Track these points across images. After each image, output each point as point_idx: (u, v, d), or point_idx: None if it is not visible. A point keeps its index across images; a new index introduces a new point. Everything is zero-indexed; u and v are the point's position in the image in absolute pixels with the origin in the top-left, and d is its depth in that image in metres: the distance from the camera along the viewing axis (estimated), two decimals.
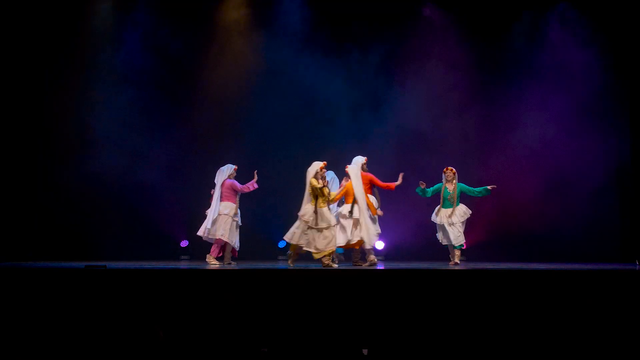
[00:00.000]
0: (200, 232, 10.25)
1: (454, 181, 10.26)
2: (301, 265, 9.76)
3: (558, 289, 7.72)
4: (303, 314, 7.34)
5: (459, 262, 10.27)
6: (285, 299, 7.55)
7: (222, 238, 10.13)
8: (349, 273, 8.41)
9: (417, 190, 10.35)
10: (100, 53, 11.87)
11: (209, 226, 10.12)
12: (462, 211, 10.27)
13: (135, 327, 4.86)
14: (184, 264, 10.18)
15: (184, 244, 11.91)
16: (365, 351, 5.17)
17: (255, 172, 10.42)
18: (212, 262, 10.04)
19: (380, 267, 9.41)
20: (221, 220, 10.15)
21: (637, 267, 9.72)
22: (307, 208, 9.39)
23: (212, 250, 10.21)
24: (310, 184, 9.39)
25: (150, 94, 11.94)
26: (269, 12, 12.16)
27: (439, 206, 10.28)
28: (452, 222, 10.19)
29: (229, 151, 11.98)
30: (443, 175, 10.31)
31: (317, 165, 9.49)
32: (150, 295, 7.59)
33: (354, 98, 12.13)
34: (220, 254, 10.27)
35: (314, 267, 9.01)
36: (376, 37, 12.10)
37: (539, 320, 6.79)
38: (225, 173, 10.42)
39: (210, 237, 10.23)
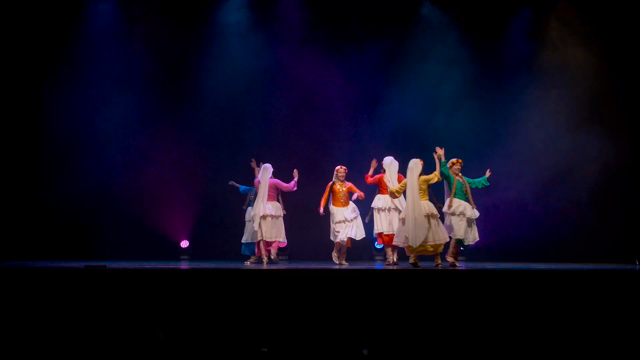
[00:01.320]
0: (259, 237, 10.21)
1: (460, 173, 10.00)
2: (301, 265, 9.76)
3: (558, 289, 7.72)
4: (303, 314, 7.33)
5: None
6: (285, 299, 7.54)
7: (281, 240, 10.28)
8: (349, 273, 8.41)
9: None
10: (101, 54, 11.85)
11: (265, 228, 10.16)
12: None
13: (135, 328, 4.86)
14: (184, 264, 10.19)
15: (184, 244, 11.92)
16: (365, 351, 5.17)
17: (295, 171, 10.43)
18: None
19: (380, 267, 9.41)
20: (273, 221, 10.21)
21: (637, 267, 9.72)
22: (427, 203, 9.17)
23: (273, 250, 10.25)
24: (425, 179, 9.26)
25: (151, 95, 11.93)
26: (269, 14, 12.14)
27: (452, 198, 9.58)
28: (476, 216, 9.76)
29: (228, 152, 12.00)
30: (449, 167, 9.76)
31: (419, 162, 9.35)
32: (150, 295, 7.58)
33: (353, 97, 12.12)
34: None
35: (313, 268, 9.00)
36: (375, 37, 12.08)
37: (539, 320, 6.78)
38: (269, 171, 10.38)
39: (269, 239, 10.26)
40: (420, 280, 7.98)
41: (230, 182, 10.76)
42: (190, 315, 6.99)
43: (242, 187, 10.68)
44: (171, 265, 9.48)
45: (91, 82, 11.80)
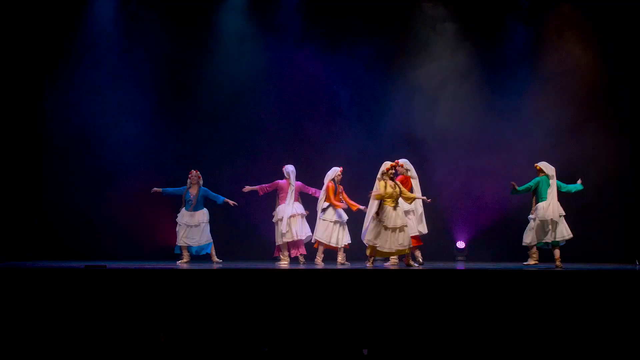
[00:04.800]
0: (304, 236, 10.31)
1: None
2: (302, 265, 9.77)
3: (558, 289, 7.73)
4: (303, 313, 7.34)
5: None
6: (285, 299, 7.55)
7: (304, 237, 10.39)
8: (349, 273, 8.42)
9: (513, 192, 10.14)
10: (101, 53, 11.86)
11: (295, 228, 10.26)
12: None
13: (136, 327, 4.86)
14: (184, 264, 10.19)
15: None
16: (365, 351, 5.18)
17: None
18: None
19: (380, 267, 9.41)
20: (302, 220, 10.34)
21: (637, 267, 9.72)
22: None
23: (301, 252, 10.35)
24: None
25: (151, 95, 11.91)
26: (268, 17, 12.14)
27: (541, 203, 9.98)
28: (562, 214, 9.97)
29: (228, 152, 12.00)
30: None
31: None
32: (150, 295, 7.59)
33: (353, 98, 12.12)
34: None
35: (314, 268, 9.01)
36: (374, 37, 12.07)
37: (539, 320, 6.80)
38: (294, 173, 10.49)
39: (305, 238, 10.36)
40: (420, 280, 7.99)
41: (153, 190, 10.63)
42: (191, 315, 7.00)
43: (165, 191, 10.54)
44: (171, 265, 9.48)
45: (91, 82, 11.80)
